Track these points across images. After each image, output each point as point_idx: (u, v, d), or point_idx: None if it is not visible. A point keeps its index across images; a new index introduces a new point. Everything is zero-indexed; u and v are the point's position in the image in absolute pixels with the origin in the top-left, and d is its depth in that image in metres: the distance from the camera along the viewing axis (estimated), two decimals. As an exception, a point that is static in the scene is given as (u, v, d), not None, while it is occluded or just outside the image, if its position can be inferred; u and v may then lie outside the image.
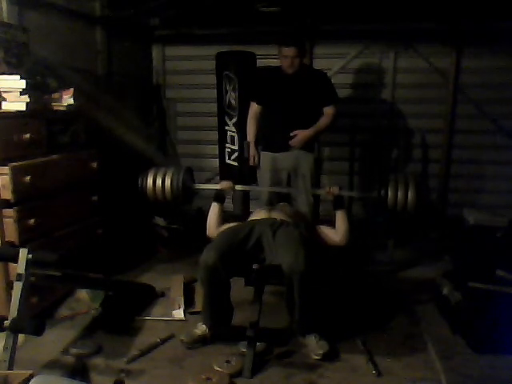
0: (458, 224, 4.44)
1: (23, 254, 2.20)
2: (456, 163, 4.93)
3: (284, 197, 3.46)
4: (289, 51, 3.27)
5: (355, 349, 2.57)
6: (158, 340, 2.61)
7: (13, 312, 2.12)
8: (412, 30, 4.64)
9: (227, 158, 4.33)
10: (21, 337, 2.25)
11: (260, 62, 4.35)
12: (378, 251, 4.15)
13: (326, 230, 2.85)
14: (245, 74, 4.18)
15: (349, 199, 4.67)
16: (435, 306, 3.07)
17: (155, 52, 5.29)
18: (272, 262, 2.49)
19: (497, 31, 4.48)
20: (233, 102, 4.24)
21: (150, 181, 2.97)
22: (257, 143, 3.63)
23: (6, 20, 3.05)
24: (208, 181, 5.28)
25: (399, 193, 2.75)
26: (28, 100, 2.71)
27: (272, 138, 3.55)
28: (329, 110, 3.44)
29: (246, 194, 4.39)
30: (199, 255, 2.50)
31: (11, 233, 2.60)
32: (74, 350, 2.50)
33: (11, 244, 2.59)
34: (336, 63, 4.88)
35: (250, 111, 3.62)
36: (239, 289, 2.69)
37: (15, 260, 2.21)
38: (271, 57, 3.99)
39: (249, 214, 3.09)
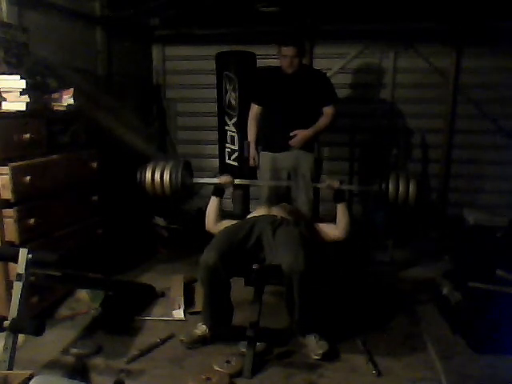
0: (457, 224, 4.44)
1: (23, 254, 2.20)
2: (456, 163, 4.93)
3: (284, 197, 3.46)
4: (288, 51, 3.27)
5: (355, 349, 2.57)
6: (158, 340, 2.61)
7: (13, 312, 2.12)
8: (412, 30, 4.64)
9: (227, 158, 4.34)
10: (21, 337, 2.25)
11: (260, 62, 4.35)
12: (378, 251, 4.15)
13: (325, 227, 2.85)
14: (245, 74, 4.18)
15: (349, 198, 4.69)
16: (435, 306, 3.07)
17: (155, 52, 5.29)
18: (272, 262, 2.49)
19: (497, 31, 4.48)
20: (233, 101, 4.24)
21: (148, 174, 2.94)
22: (257, 144, 3.63)
23: (5, 20, 3.05)
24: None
25: (400, 186, 2.73)
26: (28, 100, 2.71)
27: (272, 137, 3.55)
28: (328, 110, 3.44)
29: (245, 193, 4.39)
30: (199, 255, 2.50)
31: (11, 233, 2.60)
32: (74, 350, 2.50)
33: (11, 244, 2.59)
34: (336, 63, 4.88)
35: (250, 112, 3.62)
36: (239, 289, 2.69)
37: (15, 260, 2.21)
38: (271, 57, 3.99)
39: (249, 213, 3.09)
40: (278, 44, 3.34)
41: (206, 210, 2.94)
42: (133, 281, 3.38)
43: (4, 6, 3.06)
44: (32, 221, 2.67)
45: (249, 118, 3.63)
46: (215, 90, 4.44)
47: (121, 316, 2.90)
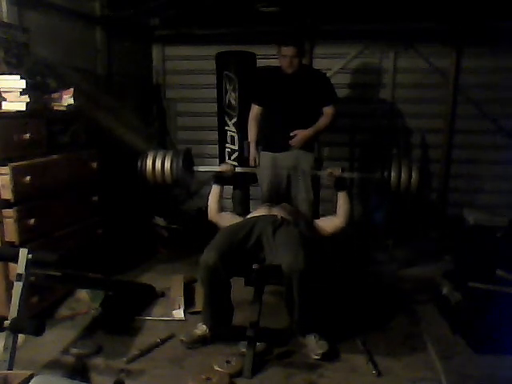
0: (457, 224, 4.44)
1: (23, 254, 2.20)
2: (456, 163, 4.93)
3: (284, 196, 3.46)
4: (288, 51, 3.27)
5: (355, 349, 2.57)
6: (158, 340, 2.61)
7: (13, 312, 2.12)
8: (412, 30, 4.64)
9: (227, 158, 4.33)
10: (21, 337, 2.25)
11: (260, 62, 4.35)
12: (377, 251, 4.15)
13: (324, 221, 2.87)
14: (245, 74, 4.18)
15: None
16: (435, 306, 3.07)
17: (155, 52, 5.29)
18: (272, 262, 2.49)
19: (497, 31, 4.48)
20: (233, 101, 4.24)
21: (149, 163, 2.93)
22: (257, 144, 3.63)
23: (5, 20, 3.05)
24: (208, 181, 5.30)
25: (402, 173, 2.72)
26: (28, 100, 2.71)
27: (272, 137, 3.55)
28: (328, 110, 3.44)
29: (245, 193, 4.40)
30: (199, 255, 2.50)
31: (11, 233, 2.60)
32: (74, 350, 2.50)
33: (11, 244, 2.59)
34: (336, 63, 4.88)
35: (250, 113, 3.61)
36: (239, 289, 2.69)
37: (15, 260, 2.21)
38: (271, 57, 3.99)
39: (249, 213, 3.09)
40: (278, 44, 3.34)
41: (206, 210, 2.94)
42: (133, 281, 3.38)
43: (4, 6, 3.06)
44: (32, 221, 2.67)
45: (249, 118, 3.63)
46: (215, 90, 4.44)
47: (121, 316, 2.90)
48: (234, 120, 4.27)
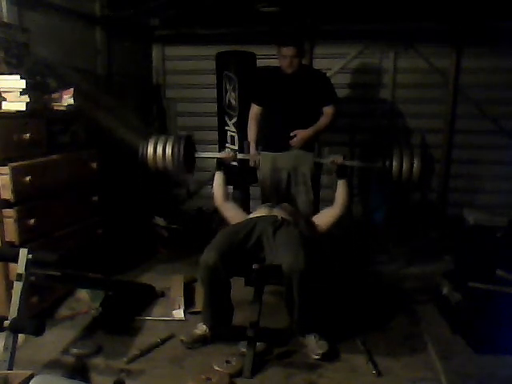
0: (457, 224, 4.44)
1: (23, 254, 2.20)
2: (456, 163, 4.93)
3: (284, 197, 3.46)
4: (288, 51, 3.27)
5: (355, 349, 2.57)
6: (158, 340, 2.61)
7: (13, 312, 2.12)
8: (412, 30, 4.64)
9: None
10: (21, 337, 2.25)
11: (260, 62, 4.35)
12: (377, 251, 4.15)
13: (321, 215, 2.90)
14: (245, 74, 4.18)
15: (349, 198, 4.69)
16: (435, 306, 3.07)
17: (155, 52, 5.29)
18: (272, 262, 2.49)
19: (497, 31, 4.48)
20: (233, 101, 4.24)
21: (150, 149, 2.92)
22: (257, 144, 3.63)
23: (5, 20, 3.05)
24: (208, 181, 5.30)
25: (404, 162, 2.71)
26: (28, 100, 2.71)
27: (272, 137, 3.54)
28: (328, 110, 3.44)
29: (245, 193, 4.40)
30: (199, 255, 2.50)
31: (11, 233, 2.60)
32: (74, 350, 2.50)
33: (11, 244, 2.59)
34: (336, 63, 4.88)
35: (250, 113, 3.61)
36: (239, 289, 2.69)
37: (15, 260, 2.21)
38: (271, 57, 3.99)
39: (249, 213, 3.09)
40: (278, 44, 3.34)
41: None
42: (133, 281, 3.38)
43: (4, 6, 3.06)
44: (32, 221, 2.67)
45: (249, 118, 3.63)
46: (215, 90, 4.44)
47: (121, 316, 2.90)
48: (234, 120, 4.27)
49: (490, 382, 2.33)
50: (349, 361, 2.48)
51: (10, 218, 2.59)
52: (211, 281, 2.48)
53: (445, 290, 2.96)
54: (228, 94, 4.25)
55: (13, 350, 2.07)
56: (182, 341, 2.59)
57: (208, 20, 4.79)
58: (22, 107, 2.69)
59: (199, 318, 2.72)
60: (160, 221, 4.54)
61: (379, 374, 2.36)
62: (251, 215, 2.93)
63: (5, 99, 2.72)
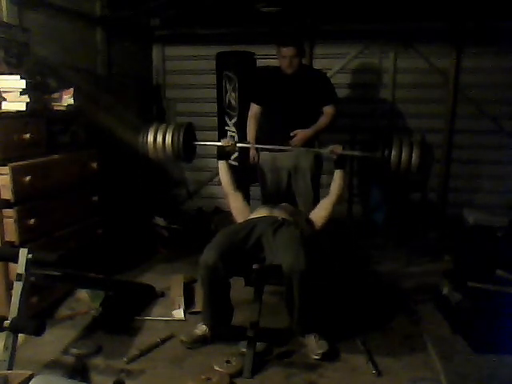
0: (457, 224, 4.44)
1: (23, 254, 2.20)
2: (456, 163, 4.94)
3: (284, 197, 3.46)
4: (287, 51, 3.27)
5: (355, 349, 2.56)
6: (158, 340, 2.61)
7: (13, 312, 2.12)
8: (412, 30, 4.65)
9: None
10: (21, 337, 2.24)
11: (260, 62, 4.35)
12: (378, 251, 4.15)
13: (315, 213, 2.89)
14: (245, 74, 4.19)
15: (349, 198, 4.69)
16: (435, 306, 3.07)
17: (155, 52, 5.29)
18: (272, 262, 2.49)
19: (497, 31, 4.48)
20: (233, 102, 4.24)
21: (150, 137, 2.92)
22: (257, 143, 3.63)
23: (5, 20, 3.06)
24: (208, 181, 5.30)
25: (403, 152, 2.70)
26: (28, 100, 2.71)
27: (272, 137, 3.54)
28: (328, 110, 3.44)
29: (245, 193, 4.39)
30: (199, 255, 2.50)
31: (11, 233, 2.60)
32: (74, 350, 2.50)
33: (11, 244, 2.59)
34: (336, 63, 4.89)
35: (250, 112, 3.61)
36: (239, 289, 2.69)
37: (15, 260, 2.21)
38: (271, 57, 3.99)
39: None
40: (278, 44, 3.34)
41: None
42: (133, 281, 3.37)
43: (4, 6, 3.07)
44: (32, 221, 2.67)
45: (248, 117, 3.63)
46: (215, 90, 4.44)
47: (121, 316, 2.90)
48: (234, 120, 4.27)
49: (490, 381, 2.33)
50: (349, 361, 2.48)
51: (10, 218, 2.59)
52: (211, 280, 2.48)
53: (445, 290, 2.96)
54: (228, 94, 4.25)
55: (13, 350, 2.06)
56: (181, 341, 2.58)
57: (208, 20, 4.79)
58: (22, 107, 2.69)
59: (199, 317, 2.72)
60: (160, 221, 4.54)
61: (379, 373, 2.36)
62: (252, 216, 2.93)
63: (5, 99, 2.72)
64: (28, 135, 2.70)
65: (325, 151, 3.03)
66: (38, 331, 2.09)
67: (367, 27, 4.70)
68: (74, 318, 2.88)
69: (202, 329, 2.61)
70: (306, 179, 3.50)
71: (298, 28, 4.60)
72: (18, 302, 2.14)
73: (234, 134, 4.28)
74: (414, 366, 2.43)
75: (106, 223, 3.44)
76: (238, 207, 2.96)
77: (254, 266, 2.39)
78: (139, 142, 2.98)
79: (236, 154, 4.24)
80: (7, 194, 2.56)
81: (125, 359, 2.42)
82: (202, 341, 2.59)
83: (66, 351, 2.51)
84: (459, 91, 4.77)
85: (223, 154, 3.05)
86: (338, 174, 2.88)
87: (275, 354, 2.52)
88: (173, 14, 4.67)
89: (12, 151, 2.63)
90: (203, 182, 5.34)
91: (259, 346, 2.46)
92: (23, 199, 2.65)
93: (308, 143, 3.47)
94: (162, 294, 3.22)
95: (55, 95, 3.05)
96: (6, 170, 2.54)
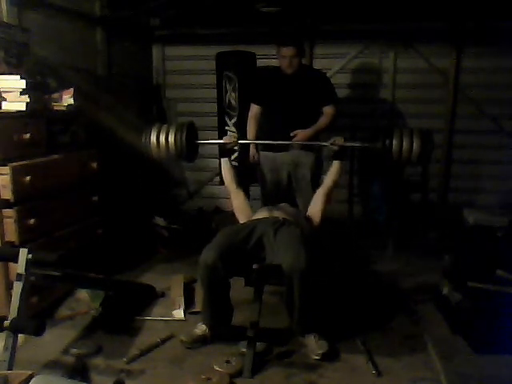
0: (458, 224, 4.44)
1: (23, 253, 2.20)
2: (456, 163, 4.94)
3: (284, 197, 3.46)
4: (287, 51, 3.27)
5: (355, 349, 2.56)
6: (158, 340, 2.61)
7: (13, 312, 2.12)
8: (412, 30, 4.65)
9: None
10: (21, 337, 2.24)
11: (260, 62, 4.35)
12: (378, 251, 4.15)
13: (311, 208, 2.90)
14: (245, 73, 4.19)
15: (350, 198, 4.69)
16: (435, 306, 3.07)
17: (155, 52, 5.29)
18: (273, 262, 2.49)
19: (497, 31, 4.48)
20: (233, 102, 4.25)
21: (153, 137, 2.94)
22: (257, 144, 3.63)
23: (5, 20, 3.06)
24: (208, 181, 5.31)
25: (404, 142, 2.70)
26: (28, 100, 2.71)
27: (272, 137, 3.54)
28: (328, 110, 3.44)
29: (245, 193, 4.39)
30: (199, 255, 2.49)
31: (11, 233, 2.60)
32: (73, 350, 2.50)
33: (11, 244, 2.59)
34: (336, 63, 4.89)
35: (250, 112, 3.62)
36: (239, 289, 2.69)
37: (15, 260, 2.21)
38: (271, 57, 3.99)
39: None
40: (277, 44, 3.34)
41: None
42: (133, 281, 3.37)
43: (4, 6, 3.06)
44: (32, 221, 2.67)
45: (248, 118, 3.63)
46: (215, 90, 4.44)
47: (121, 316, 2.90)
48: (234, 120, 4.27)
49: (490, 382, 2.32)
50: (349, 361, 2.47)
51: (10, 218, 2.59)
52: (210, 280, 2.47)
53: (445, 290, 2.96)
54: (228, 93, 4.25)
55: (13, 350, 2.06)
56: (181, 341, 2.58)
57: (208, 20, 4.79)
58: (22, 107, 2.69)
59: (199, 318, 2.72)
60: (160, 221, 4.54)
61: (379, 373, 2.36)
62: (252, 217, 2.93)
63: (5, 99, 2.72)
64: (28, 135, 2.70)
65: (326, 144, 3.03)
66: (38, 331, 2.09)
67: (367, 27, 4.70)
68: (73, 318, 2.87)
69: (201, 329, 2.61)
70: (306, 179, 3.50)
71: (298, 28, 4.60)
72: (18, 302, 2.14)
73: (234, 133, 4.27)
74: (414, 366, 2.43)
75: (106, 223, 3.44)
76: (240, 205, 2.96)
77: (254, 266, 2.39)
78: (142, 142, 2.98)
79: (236, 154, 4.25)
80: (7, 194, 2.56)
81: (125, 359, 2.42)
82: (201, 341, 2.59)
83: (66, 351, 2.51)
84: (459, 91, 4.77)
85: (225, 151, 3.06)
86: (335, 164, 2.90)
87: (275, 353, 2.52)
88: (173, 13, 4.67)
89: (12, 151, 2.63)
90: (203, 182, 5.34)
91: (259, 346, 2.46)
92: (23, 199, 2.64)
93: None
94: (162, 294, 3.22)
95: (55, 95, 3.05)
96: (6, 170, 2.54)
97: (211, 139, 3.34)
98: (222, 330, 2.63)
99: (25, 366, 2.17)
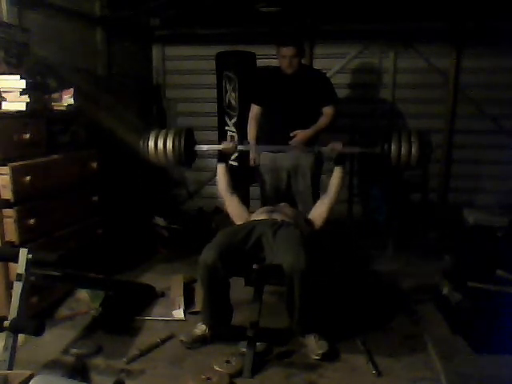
0: (458, 224, 4.44)
1: (23, 254, 2.20)
2: (456, 163, 4.94)
3: (284, 197, 3.46)
4: (287, 51, 3.27)
5: (355, 349, 2.56)
6: (158, 340, 2.61)
7: (13, 312, 2.12)
8: (412, 30, 4.65)
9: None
10: (21, 337, 2.24)
11: (260, 62, 4.35)
12: (378, 251, 4.15)
13: (314, 212, 2.90)
14: (245, 73, 4.18)
15: (349, 198, 4.69)
16: (435, 306, 3.07)
17: (155, 52, 5.29)
18: (272, 262, 2.49)
19: (497, 31, 4.48)
20: (233, 102, 4.24)
21: (151, 143, 2.94)
22: (257, 144, 3.63)
23: (5, 20, 3.05)
24: (208, 181, 5.30)
25: (403, 147, 2.70)
26: (28, 100, 2.71)
27: (272, 138, 3.54)
28: (328, 110, 3.44)
29: (245, 193, 4.39)
30: (199, 255, 2.50)
31: (11, 233, 2.60)
32: (73, 350, 2.50)
33: (11, 244, 2.59)
34: (336, 63, 4.89)
35: (250, 113, 3.61)
36: (239, 289, 2.69)
37: (15, 260, 2.21)
38: (271, 57, 3.99)
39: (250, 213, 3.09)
40: (277, 44, 3.34)
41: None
42: (133, 281, 3.37)
43: (4, 6, 3.06)
44: (32, 221, 2.67)
45: (249, 119, 3.63)
46: (215, 90, 4.44)
47: (121, 316, 2.90)
48: (234, 120, 4.27)
49: (491, 382, 2.32)
50: (349, 361, 2.47)
51: (9, 218, 2.59)
52: (210, 280, 2.47)
53: (445, 290, 2.96)
54: (228, 93, 4.25)
55: (13, 350, 2.06)
56: (181, 341, 2.58)
57: (208, 20, 4.79)
58: (22, 107, 2.69)
59: (199, 318, 2.72)
60: (160, 221, 4.54)
61: (379, 374, 2.36)
62: (251, 219, 2.92)
63: (5, 99, 2.72)
64: (28, 135, 2.70)
65: (325, 150, 3.03)
66: (38, 331, 2.09)
67: (367, 27, 4.70)
68: (73, 318, 2.87)
69: (201, 329, 2.61)
70: (306, 179, 3.50)
71: (298, 28, 4.60)
72: (17, 302, 2.14)
73: (234, 133, 4.27)
74: (414, 366, 2.43)
75: (106, 223, 3.44)
76: (234, 211, 2.95)
77: (254, 266, 2.39)
78: (140, 148, 2.98)
79: (236, 154, 4.25)
80: (7, 194, 2.56)
81: (125, 359, 2.42)
82: (201, 341, 2.59)
83: (66, 351, 2.51)
84: (459, 91, 4.77)
85: (224, 156, 3.05)
86: (336, 172, 2.89)
87: (275, 353, 2.52)
88: (173, 13, 4.67)
89: (12, 151, 2.63)
90: (203, 182, 5.34)
91: (259, 346, 2.46)
92: (23, 199, 2.64)
93: (308, 143, 3.47)
94: (162, 294, 3.22)
95: (55, 95, 3.05)
96: (6, 170, 2.54)
97: (210, 142, 3.31)
98: (221, 330, 2.63)
99: (25, 366, 2.17)
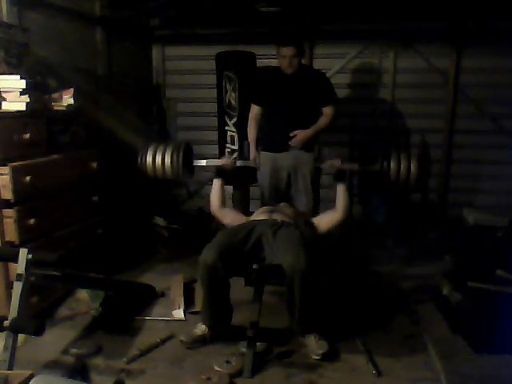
0: (458, 224, 4.44)
1: (23, 254, 2.20)
2: (456, 163, 4.93)
3: (284, 197, 3.46)
4: (287, 51, 3.27)
5: (355, 349, 2.56)
6: (158, 340, 2.61)
7: (13, 312, 2.12)
8: (412, 30, 4.64)
9: (227, 157, 4.33)
10: (21, 337, 2.25)
11: (260, 62, 4.35)
12: (378, 251, 4.15)
13: (320, 219, 2.89)
14: (245, 73, 4.18)
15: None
16: (435, 306, 3.07)
17: (155, 52, 5.29)
18: (272, 262, 2.49)
19: (497, 31, 4.48)
20: (233, 102, 4.24)
21: (149, 158, 2.94)
22: (257, 144, 3.63)
23: (5, 20, 3.05)
24: (208, 181, 5.30)
25: (402, 165, 2.71)
26: (28, 100, 2.71)
27: (272, 138, 3.55)
28: (328, 110, 3.44)
29: (246, 193, 4.40)
30: (199, 255, 2.50)
31: (11, 233, 2.60)
32: (73, 350, 2.50)
33: (11, 244, 2.59)
34: (336, 63, 4.88)
35: (250, 113, 3.61)
36: (239, 289, 2.69)
37: (15, 260, 2.21)
38: (271, 57, 3.99)
39: (249, 214, 3.09)
40: (277, 44, 3.34)
41: (206, 210, 2.94)
42: (133, 281, 3.38)
43: (4, 6, 3.06)
44: (32, 221, 2.67)
45: (249, 119, 3.63)
46: (215, 90, 4.44)
47: (121, 316, 2.90)
48: (234, 120, 4.27)
49: (491, 382, 2.33)
50: (349, 361, 2.48)
51: (9, 218, 2.59)
52: (210, 280, 2.48)
53: (445, 290, 2.96)
54: (228, 93, 4.25)
55: (13, 350, 2.07)
56: (181, 341, 2.58)
57: (208, 20, 4.79)
58: (22, 107, 2.69)
59: (199, 318, 2.72)
60: (160, 221, 4.54)
61: (379, 374, 2.36)
62: (251, 219, 2.92)
63: (5, 99, 2.72)
64: (28, 135, 2.70)
65: (324, 166, 3.05)
66: (38, 331, 2.10)
67: (367, 27, 4.70)
68: (73, 318, 2.88)
69: (201, 329, 2.62)
70: (306, 179, 3.50)
71: (298, 28, 4.59)
72: (17, 302, 2.14)
73: (234, 133, 4.27)
74: (414, 366, 2.44)
75: (106, 223, 3.44)
76: (231, 221, 2.92)
77: (254, 266, 2.39)
78: (138, 163, 2.99)
79: (236, 154, 4.25)
80: (7, 194, 2.56)
81: (125, 359, 2.42)
82: (201, 341, 2.59)
83: (66, 351, 2.51)
84: (459, 91, 4.77)
85: (222, 172, 3.03)
86: (339, 189, 2.87)
87: (275, 353, 2.52)
88: (173, 13, 4.66)
89: (12, 151, 2.63)
90: (203, 182, 5.34)
91: (259, 346, 2.46)
92: (23, 199, 2.65)
93: (308, 144, 3.47)
94: (162, 294, 3.22)
95: (55, 95, 3.05)
96: (6, 169, 2.54)
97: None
98: (221, 330, 2.64)
99: (25, 366, 2.18)
